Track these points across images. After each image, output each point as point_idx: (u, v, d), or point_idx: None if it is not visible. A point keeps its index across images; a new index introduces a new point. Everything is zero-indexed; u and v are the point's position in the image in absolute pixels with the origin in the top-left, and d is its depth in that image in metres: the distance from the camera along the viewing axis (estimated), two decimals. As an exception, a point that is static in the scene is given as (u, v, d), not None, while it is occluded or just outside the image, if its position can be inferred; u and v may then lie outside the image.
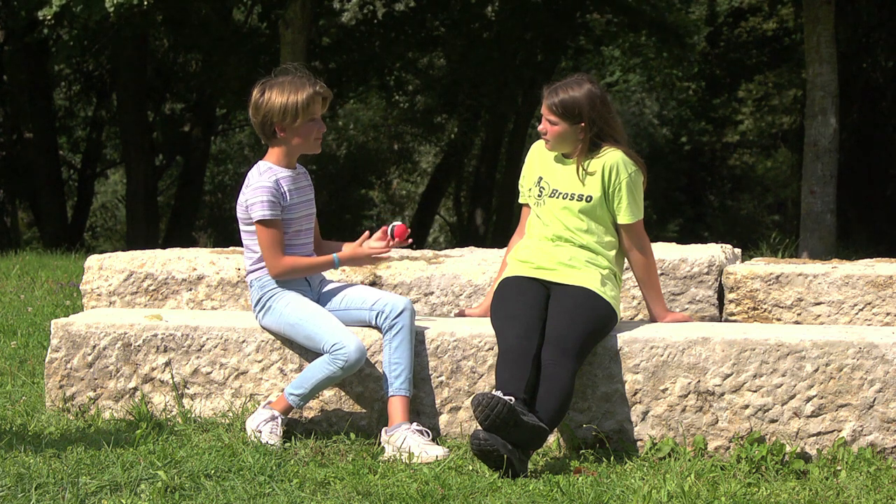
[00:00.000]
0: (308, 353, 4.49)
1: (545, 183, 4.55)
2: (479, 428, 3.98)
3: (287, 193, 4.49)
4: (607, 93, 4.57)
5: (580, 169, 4.48)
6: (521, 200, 4.71)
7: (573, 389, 4.18)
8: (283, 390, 4.44)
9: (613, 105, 4.57)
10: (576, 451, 4.28)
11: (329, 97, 4.56)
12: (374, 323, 4.46)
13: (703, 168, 28.45)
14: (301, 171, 4.64)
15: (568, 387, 4.14)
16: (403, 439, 4.19)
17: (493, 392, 4.02)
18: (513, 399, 4.00)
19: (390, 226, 4.53)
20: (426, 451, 4.14)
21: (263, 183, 4.46)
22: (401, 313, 4.40)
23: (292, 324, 4.43)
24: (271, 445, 4.19)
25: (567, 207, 4.49)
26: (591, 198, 4.48)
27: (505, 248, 4.91)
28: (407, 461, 4.09)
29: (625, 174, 4.49)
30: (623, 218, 4.52)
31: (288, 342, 4.55)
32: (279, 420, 4.33)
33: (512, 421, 3.94)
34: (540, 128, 4.53)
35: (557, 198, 4.52)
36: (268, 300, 4.49)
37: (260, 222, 4.43)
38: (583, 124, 4.45)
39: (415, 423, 4.28)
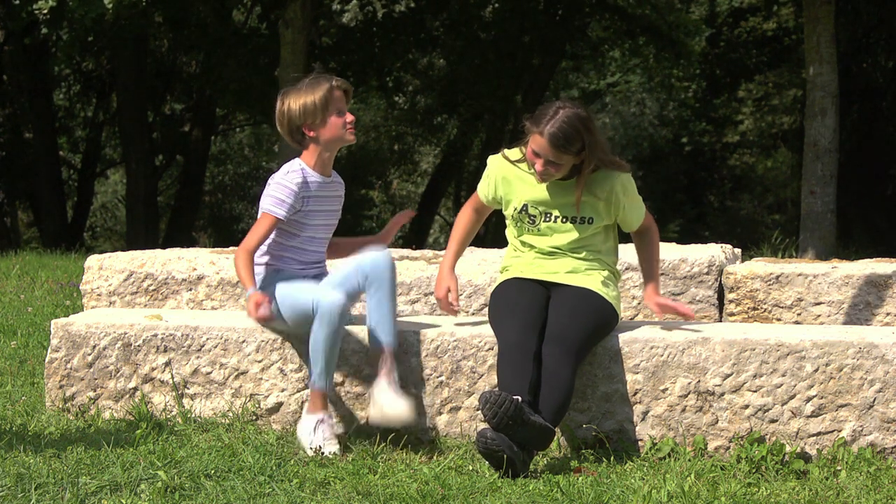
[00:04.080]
0: (307, 354, 4.47)
1: (535, 210, 4.42)
2: (487, 426, 3.97)
3: (309, 199, 4.48)
4: (591, 112, 4.45)
5: (579, 196, 4.35)
6: (481, 195, 4.57)
7: (574, 387, 4.18)
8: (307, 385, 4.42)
9: (595, 122, 4.39)
10: (576, 451, 4.28)
11: (349, 90, 4.58)
12: (361, 285, 4.44)
13: (703, 168, 28.45)
14: (335, 181, 4.62)
15: (570, 384, 4.13)
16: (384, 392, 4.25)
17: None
18: (519, 398, 3.99)
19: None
20: (394, 404, 4.22)
21: (287, 182, 4.45)
22: (379, 266, 4.38)
23: (280, 309, 4.43)
24: (335, 454, 4.17)
25: (567, 230, 4.42)
26: (591, 220, 4.40)
27: (501, 250, 4.85)
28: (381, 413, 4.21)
29: (621, 191, 4.39)
30: (631, 226, 4.51)
31: (289, 340, 4.54)
32: (326, 423, 4.28)
33: (519, 419, 3.93)
34: (538, 167, 4.29)
35: (556, 222, 4.42)
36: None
37: (265, 213, 4.43)
38: (584, 153, 4.28)
39: (393, 375, 4.30)
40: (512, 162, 4.46)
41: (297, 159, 4.57)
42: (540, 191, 4.42)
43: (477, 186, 4.60)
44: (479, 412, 4.39)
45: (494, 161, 4.53)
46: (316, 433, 4.24)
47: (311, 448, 4.22)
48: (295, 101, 4.50)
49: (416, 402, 4.45)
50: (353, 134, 4.57)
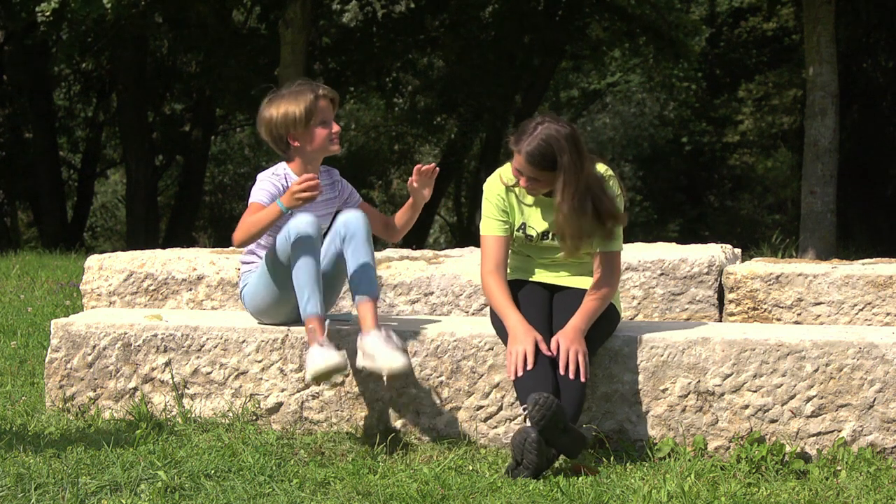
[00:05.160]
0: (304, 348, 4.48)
1: (532, 230, 4.40)
2: (530, 426, 3.91)
3: None
4: (577, 127, 4.35)
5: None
6: (494, 232, 4.41)
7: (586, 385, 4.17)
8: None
9: (582, 138, 4.29)
10: (576, 451, 4.28)
11: (335, 98, 4.56)
12: (339, 248, 4.42)
13: (703, 168, 28.47)
14: (323, 186, 4.55)
15: (584, 384, 4.12)
16: (372, 345, 4.18)
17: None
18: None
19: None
20: (388, 358, 4.13)
21: (273, 181, 4.47)
22: (351, 223, 4.37)
23: (263, 281, 4.43)
24: (338, 360, 4.12)
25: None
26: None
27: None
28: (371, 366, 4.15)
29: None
30: (596, 244, 4.34)
31: (290, 339, 4.54)
32: (327, 346, 4.19)
33: (562, 424, 3.91)
34: (522, 184, 4.27)
35: (554, 239, 4.39)
36: (244, 286, 4.56)
37: (252, 202, 4.41)
38: (564, 169, 4.19)
39: (383, 329, 4.24)
40: (509, 187, 4.40)
41: (282, 163, 4.57)
42: (536, 214, 4.39)
43: (481, 228, 4.46)
44: (489, 412, 4.39)
45: (488, 185, 4.45)
46: (322, 356, 4.15)
47: (323, 368, 4.14)
48: (277, 110, 4.46)
49: (417, 402, 4.45)
50: (338, 144, 4.55)
